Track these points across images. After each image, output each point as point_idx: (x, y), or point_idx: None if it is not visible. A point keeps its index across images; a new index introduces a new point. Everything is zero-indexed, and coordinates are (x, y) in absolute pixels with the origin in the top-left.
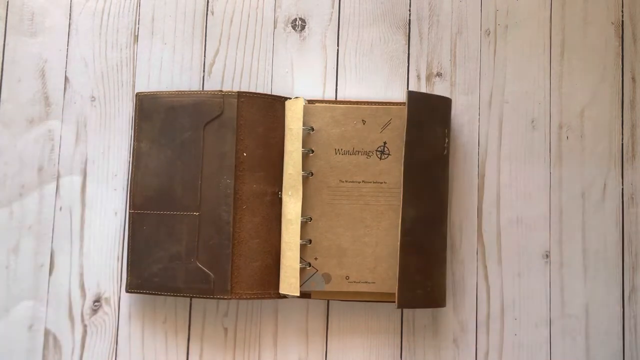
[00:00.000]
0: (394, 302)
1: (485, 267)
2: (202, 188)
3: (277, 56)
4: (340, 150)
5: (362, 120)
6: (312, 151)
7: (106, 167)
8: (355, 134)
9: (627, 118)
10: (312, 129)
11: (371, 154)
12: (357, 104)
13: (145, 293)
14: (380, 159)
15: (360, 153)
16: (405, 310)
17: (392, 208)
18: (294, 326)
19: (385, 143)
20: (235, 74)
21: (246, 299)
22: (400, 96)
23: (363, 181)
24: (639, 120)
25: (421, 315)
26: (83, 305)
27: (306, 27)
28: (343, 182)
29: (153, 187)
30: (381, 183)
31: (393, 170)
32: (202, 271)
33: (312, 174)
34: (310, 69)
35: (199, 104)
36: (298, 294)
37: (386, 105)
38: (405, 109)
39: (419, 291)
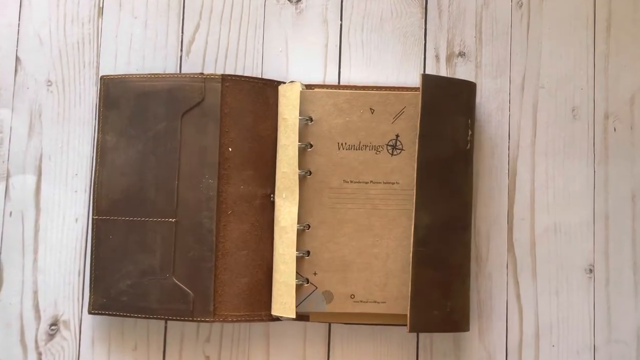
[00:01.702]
0: (406, 324)
1: (517, 283)
2: (180, 190)
3: (269, 32)
4: (344, 145)
5: (370, 109)
6: (311, 146)
7: (65, 164)
8: (362, 125)
9: None
10: (311, 120)
11: (381, 149)
12: (364, 90)
13: (112, 315)
14: (392, 154)
15: (368, 148)
16: (421, 336)
17: (406, 213)
18: (288, 354)
19: (397, 136)
20: (219, 53)
21: (232, 321)
22: (416, 80)
23: (371, 181)
24: None
25: (440, 341)
26: (37, 329)
27: None
28: (347, 182)
29: (121, 188)
30: (393, 184)
31: (407, 169)
32: (180, 289)
33: (311, 173)
34: (309, 47)
35: (175, 89)
36: (294, 316)
37: (399, 90)
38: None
39: (435, 312)
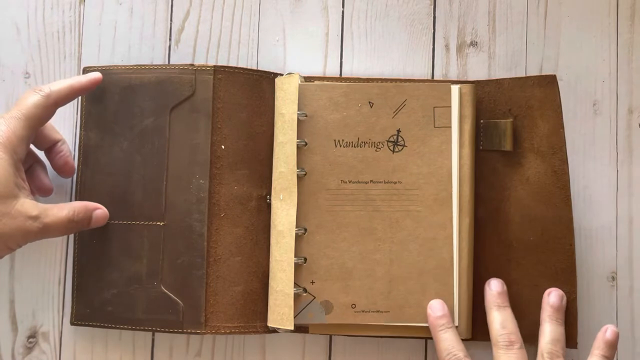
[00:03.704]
0: (414, 337)
1: None
2: (168, 191)
3: (265, 20)
4: (341, 142)
5: (369, 102)
6: (305, 143)
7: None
8: (360, 120)
9: None
10: (305, 115)
11: (381, 145)
12: (361, 81)
13: (95, 326)
14: (393, 151)
15: (367, 145)
16: (430, 348)
17: (410, 215)
18: None
19: (399, 131)
20: (211, 43)
21: (225, 333)
22: (424, 72)
23: (371, 181)
24: None
25: None
26: (14, 342)
27: None
28: (346, 182)
29: (105, 189)
30: (395, 183)
31: (410, 166)
32: (168, 298)
33: (306, 173)
34: (308, 36)
35: (164, 82)
36: (292, 328)
37: (399, 81)
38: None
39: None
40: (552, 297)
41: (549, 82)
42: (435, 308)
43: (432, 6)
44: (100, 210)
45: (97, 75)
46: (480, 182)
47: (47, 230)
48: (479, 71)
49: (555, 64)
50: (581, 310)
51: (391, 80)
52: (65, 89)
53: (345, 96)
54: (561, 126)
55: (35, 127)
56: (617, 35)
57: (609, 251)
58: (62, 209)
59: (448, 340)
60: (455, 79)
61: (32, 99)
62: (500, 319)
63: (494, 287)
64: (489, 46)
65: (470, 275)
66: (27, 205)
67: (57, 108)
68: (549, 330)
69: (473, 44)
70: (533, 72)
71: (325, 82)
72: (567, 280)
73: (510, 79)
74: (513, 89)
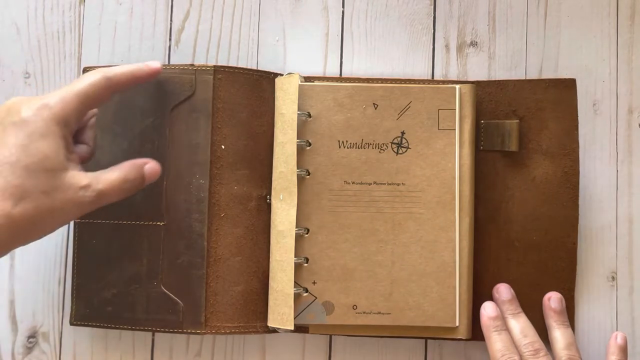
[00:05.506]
0: (416, 337)
1: None
2: (168, 191)
3: (265, 20)
4: (345, 143)
5: (374, 104)
6: (309, 144)
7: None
8: (364, 122)
9: None
10: (309, 116)
11: (385, 147)
12: (367, 82)
13: (95, 326)
14: (397, 153)
15: (371, 146)
16: (429, 347)
17: (412, 217)
18: None
19: (403, 133)
20: (211, 43)
21: (225, 333)
22: (424, 72)
23: (375, 182)
24: None
25: (450, 353)
26: (14, 342)
27: None
28: (349, 183)
29: None
30: (398, 185)
31: (413, 168)
32: (168, 298)
33: (309, 174)
34: (308, 36)
35: (163, 82)
36: (292, 328)
37: (404, 83)
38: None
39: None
40: (553, 302)
41: (567, 86)
42: (490, 309)
43: (432, 6)
44: (150, 164)
45: (157, 65)
46: (481, 182)
47: (102, 197)
48: (479, 71)
49: (555, 64)
50: (581, 310)
51: (393, 80)
52: (127, 74)
53: (350, 97)
54: (576, 128)
55: (91, 106)
56: (617, 35)
57: (609, 251)
58: (113, 172)
59: (504, 342)
60: (455, 79)
61: (93, 78)
62: (519, 327)
63: (504, 295)
64: (489, 46)
65: (470, 275)
66: (77, 176)
67: (115, 92)
68: (561, 336)
69: (473, 44)
70: (533, 72)
71: (329, 83)
72: (567, 278)
73: (516, 80)
74: (520, 91)
